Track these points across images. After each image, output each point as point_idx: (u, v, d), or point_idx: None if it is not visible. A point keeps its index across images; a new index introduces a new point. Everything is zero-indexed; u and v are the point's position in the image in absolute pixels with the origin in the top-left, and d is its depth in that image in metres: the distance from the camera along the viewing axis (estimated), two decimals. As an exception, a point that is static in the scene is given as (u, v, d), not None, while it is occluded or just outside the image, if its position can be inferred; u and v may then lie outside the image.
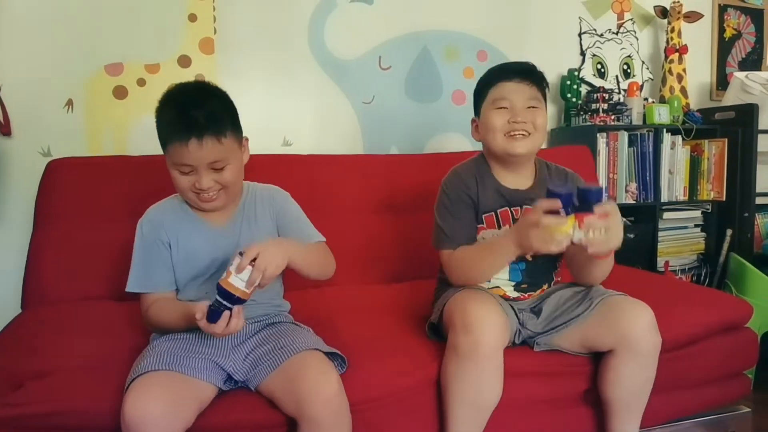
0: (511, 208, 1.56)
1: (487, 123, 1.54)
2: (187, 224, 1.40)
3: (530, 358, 1.49)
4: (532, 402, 1.51)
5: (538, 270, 1.58)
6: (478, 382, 1.35)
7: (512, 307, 1.54)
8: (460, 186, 1.56)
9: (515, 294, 1.59)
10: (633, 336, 1.40)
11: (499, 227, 1.56)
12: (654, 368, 1.46)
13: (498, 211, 1.56)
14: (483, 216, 1.56)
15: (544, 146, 2.73)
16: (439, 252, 1.56)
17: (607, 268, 1.52)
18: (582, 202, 1.28)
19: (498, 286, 1.58)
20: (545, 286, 1.61)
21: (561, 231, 1.27)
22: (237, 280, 1.19)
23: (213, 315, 1.19)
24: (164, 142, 1.31)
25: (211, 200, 1.35)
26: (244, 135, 1.40)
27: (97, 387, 1.22)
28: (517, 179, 1.59)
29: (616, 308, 1.44)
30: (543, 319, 1.53)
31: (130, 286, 1.38)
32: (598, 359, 1.51)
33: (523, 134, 1.50)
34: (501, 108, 1.52)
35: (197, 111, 1.27)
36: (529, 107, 1.51)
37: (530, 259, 1.54)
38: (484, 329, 1.32)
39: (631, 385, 1.46)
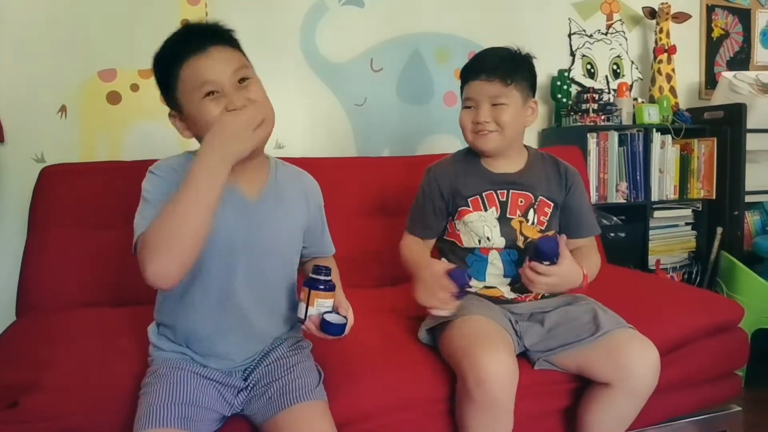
0: (497, 191, 1.58)
1: (460, 120, 1.58)
2: None
3: (522, 378, 1.43)
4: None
5: None
6: (495, 426, 1.36)
7: (510, 321, 1.52)
8: (429, 179, 1.64)
9: (512, 295, 1.57)
10: (633, 376, 1.39)
11: (485, 209, 1.57)
12: (642, 405, 1.45)
13: (483, 193, 1.58)
14: (469, 200, 1.58)
15: (534, 146, 2.77)
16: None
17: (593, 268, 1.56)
18: (538, 256, 1.41)
19: (494, 286, 1.58)
20: None
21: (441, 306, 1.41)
22: (322, 303, 1.22)
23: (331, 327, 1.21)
24: (175, 71, 1.18)
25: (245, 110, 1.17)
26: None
27: (93, 403, 1.23)
28: (506, 164, 1.61)
29: (622, 343, 1.41)
30: (546, 330, 1.50)
31: (140, 229, 1.13)
32: (583, 381, 1.51)
33: (487, 132, 1.53)
34: (468, 107, 1.56)
35: (206, 25, 1.24)
36: (494, 104, 1.52)
37: (522, 246, 1.56)
38: (497, 384, 1.31)
39: (616, 417, 1.45)
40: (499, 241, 1.56)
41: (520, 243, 1.56)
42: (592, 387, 1.48)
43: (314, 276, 1.23)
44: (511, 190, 1.57)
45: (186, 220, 1.07)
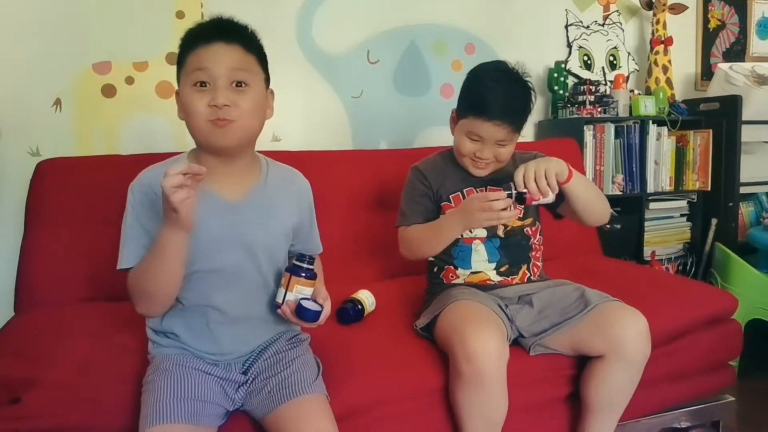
0: (477, 189, 1.64)
1: (457, 144, 1.63)
2: None
3: (520, 367, 1.48)
4: (514, 409, 1.46)
5: (512, 248, 1.65)
6: (488, 404, 1.40)
7: (501, 306, 1.56)
8: (419, 177, 1.69)
9: (498, 278, 1.64)
10: (624, 343, 1.43)
11: None
12: (639, 376, 1.49)
13: (464, 190, 1.66)
14: (450, 196, 1.66)
15: (531, 139, 2.78)
16: (397, 230, 1.69)
17: (597, 208, 1.59)
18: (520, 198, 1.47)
19: (481, 271, 1.64)
20: (524, 268, 1.66)
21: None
22: (301, 290, 1.25)
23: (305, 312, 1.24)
24: (184, 57, 1.23)
25: (227, 123, 1.19)
26: (270, 88, 1.34)
27: (95, 399, 1.24)
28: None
29: (611, 314, 1.47)
30: (537, 311, 1.54)
31: (124, 263, 1.22)
32: (582, 361, 1.54)
33: (485, 164, 1.60)
34: (473, 139, 1.58)
35: (230, 21, 1.27)
36: (498, 144, 1.57)
37: (502, 235, 1.63)
38: (485, 358, 1.34)
39: (614, 388, 1.49)
40: (481, 232, 1.64)
41: (501, 232, 1.64)
42: (589, 363, 1.51)
43: (297, 263, 1.26)
44: (488, 186, 1.62)
45: (155, 279, 1.19)
